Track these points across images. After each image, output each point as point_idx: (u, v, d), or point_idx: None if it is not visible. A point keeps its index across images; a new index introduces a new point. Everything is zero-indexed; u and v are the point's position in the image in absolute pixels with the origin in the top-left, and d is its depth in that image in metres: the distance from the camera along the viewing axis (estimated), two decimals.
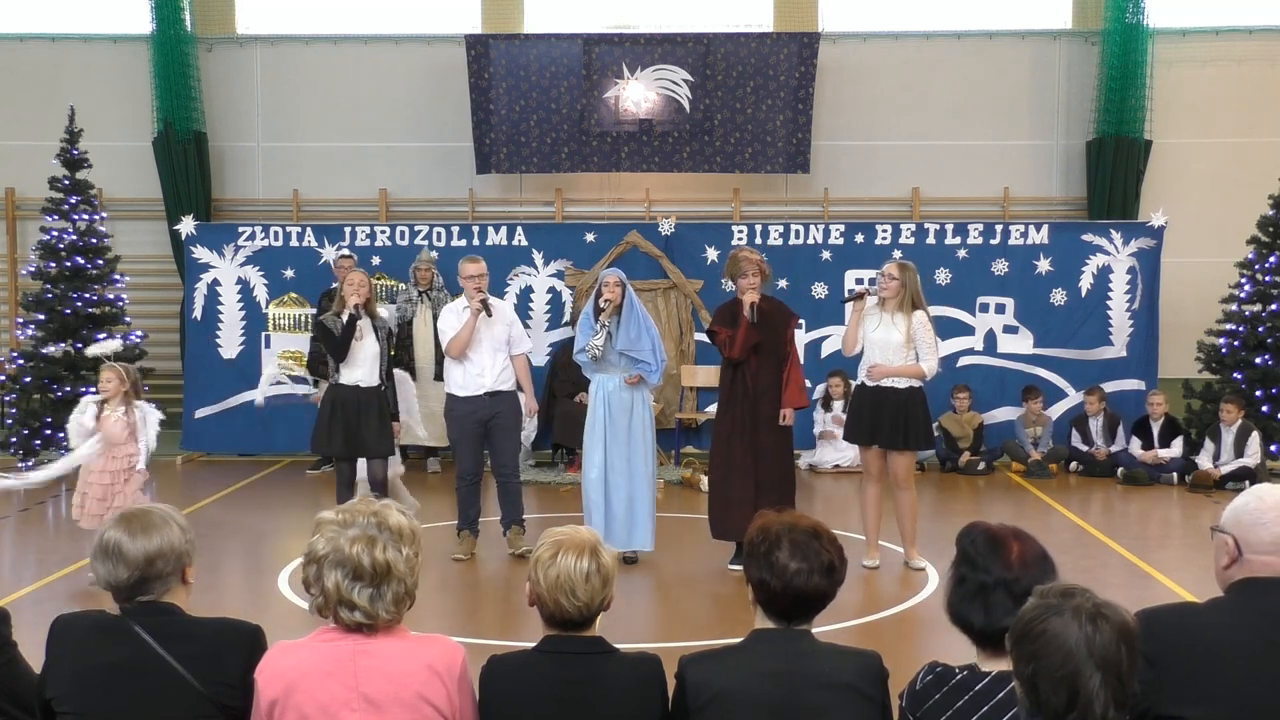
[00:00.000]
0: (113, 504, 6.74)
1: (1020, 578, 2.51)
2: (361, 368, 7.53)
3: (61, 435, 10.97)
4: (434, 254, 11.18)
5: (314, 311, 11.17)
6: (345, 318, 7.45)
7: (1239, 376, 10.85)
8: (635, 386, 7.31)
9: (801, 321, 8.44)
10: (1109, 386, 11.16)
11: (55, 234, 11.23)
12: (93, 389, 8.50)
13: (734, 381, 7.13)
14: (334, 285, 10.89)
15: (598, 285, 7.37)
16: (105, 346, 8.59)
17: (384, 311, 7.97)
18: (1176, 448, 10.62)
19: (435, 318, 10.54)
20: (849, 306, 7.47)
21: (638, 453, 7.29)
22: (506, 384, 7.50)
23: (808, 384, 9.77)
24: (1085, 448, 10.96)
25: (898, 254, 10.96)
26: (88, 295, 11.16)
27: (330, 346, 7.56)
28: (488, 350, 7.40)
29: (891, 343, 7.13)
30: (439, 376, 10.54)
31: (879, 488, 7.34)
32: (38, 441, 10.77)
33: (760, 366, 7.08)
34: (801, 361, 7.62)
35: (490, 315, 7.35)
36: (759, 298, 7.12)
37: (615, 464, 7.25)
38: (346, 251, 10.95)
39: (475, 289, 7.35)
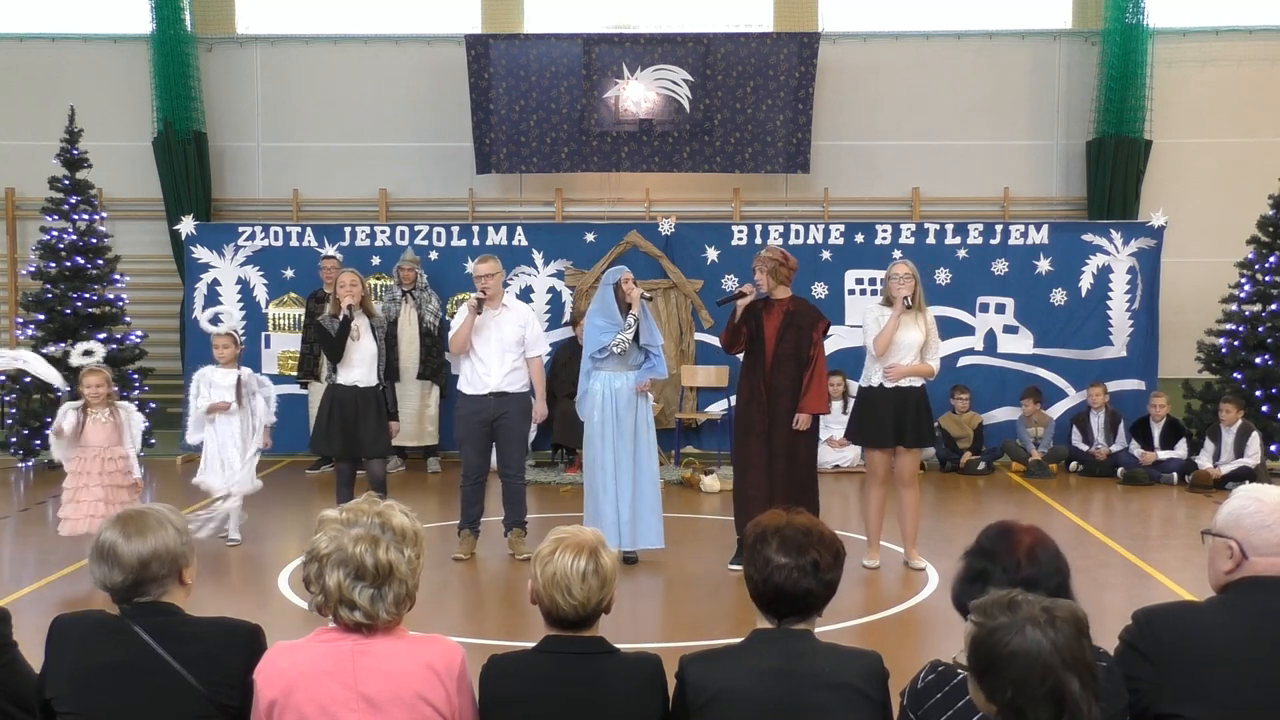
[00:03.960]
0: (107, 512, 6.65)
1: (1021, 566, 2.52)
2: (359, 368, 7.52)
3: None
4: (419, 255, 11.16)
5: (303, 313, 11.13)
6: (340, 319, 7.45)
7: (1239, 376, 10.85)
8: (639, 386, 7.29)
9: (833, 329, 8.06)
10: (1110, 386, 11.15)
11: (55, 234, 11.23)
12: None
13: (751, 378, 7.03)
14: (322, 288, 10.89)
15: (613, 284, 7.25)
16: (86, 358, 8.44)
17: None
18: (1181, 450, 10.61)
19: (420, 318, 10.58)
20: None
21: (643, 450, 7.26)
22: (515, 386, 7.44)
23: None
24: (1086, 446, 10.95)
25: (898, 254, 10.95)
26: (88, 295, 11.16)
27: (326, 348, 7.57)
28: (495, 350, 7.36)
29: (915, 343, 7.11)
30: (422, 375, 10.59)
31: (884, 490, 7.30)
32: (38, 441, 10.75)
33: (777, 366, 6.96)
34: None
35: (480, 313, 7.27)
36: (787, 297, 7.08)
37: (623, 463, 7.20)
38: (330, 252, 10.90)
39: (480, 287, 7.35)
